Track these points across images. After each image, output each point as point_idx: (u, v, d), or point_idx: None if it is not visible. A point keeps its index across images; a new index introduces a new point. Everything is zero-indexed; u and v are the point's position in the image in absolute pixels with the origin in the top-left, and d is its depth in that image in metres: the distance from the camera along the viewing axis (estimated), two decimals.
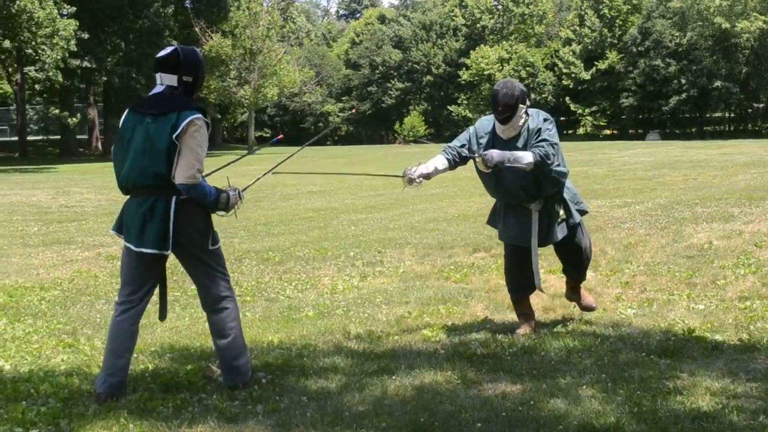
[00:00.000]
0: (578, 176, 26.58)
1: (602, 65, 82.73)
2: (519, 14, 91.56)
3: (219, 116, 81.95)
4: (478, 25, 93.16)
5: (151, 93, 5.70)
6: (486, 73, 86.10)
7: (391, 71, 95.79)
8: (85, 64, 55.03)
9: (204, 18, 67.11)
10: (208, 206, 5.62)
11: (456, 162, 7.01)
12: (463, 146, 7.00)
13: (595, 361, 6.10)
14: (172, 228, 5.45)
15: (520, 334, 7.01)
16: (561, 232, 7.08)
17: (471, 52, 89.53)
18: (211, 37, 66.55)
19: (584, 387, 5.48)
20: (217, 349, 5.82)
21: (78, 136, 65.41)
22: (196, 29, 65.80)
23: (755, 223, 13.52)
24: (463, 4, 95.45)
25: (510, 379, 5.73)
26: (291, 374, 6.02)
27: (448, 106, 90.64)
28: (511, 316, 7.68)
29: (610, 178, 26.18)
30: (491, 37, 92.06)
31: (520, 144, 6.76)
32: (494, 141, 6.88)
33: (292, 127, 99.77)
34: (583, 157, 41.23)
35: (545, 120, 6.85)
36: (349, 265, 10.93)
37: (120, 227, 5.70)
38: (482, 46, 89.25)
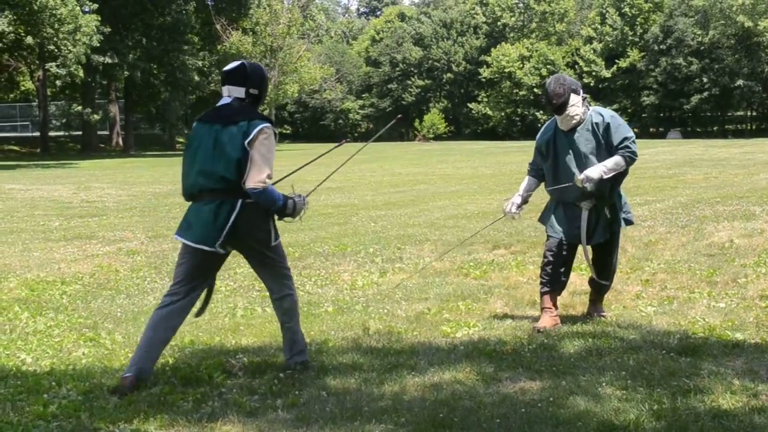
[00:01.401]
0: None
1: (623, 63, 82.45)
2: (540, 12, 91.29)
3: None
4: (498, 23, 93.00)
5: (219, 104, 5.94)
6: (507, 71, 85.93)
7: (412, 69, 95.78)
8: (107, 60, 55.27)
9: (225, 15, 67.27)
10: (276, 212, 5.88)
11: (542, 175, 7.38)
12: (536, 154, 7.35)
13: (615, 359, 6.07)
14: (228, 228, 5.68)
15: (537, 327, 7.04)
16: (604, 234, 7.16)
17: (492, 49, 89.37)
18: (232, 34, 66.74)
19: (604, 385, 5.46)
20: (284, 330, 6.13)
21: (99, 132, 65.74)
22: (217, 26, 66.04)
23: None
24: (484, 2, 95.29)
25: (529, 376, 5.72)
26: (310, 369, 6.02)
27: (468, 104, 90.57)
28: (531, 312, 7.69)
29: (631, 176, 25.90)
30: (512, 35, 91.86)
31: (580, 134, 7.01)
32: (556, 135, 7.16)
33: (312, 123, 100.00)
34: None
35: (612, 116, 7.03)
36: (368, 261, 10.94)
37: (181, 230, 5.95)
38: (503, 43, 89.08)
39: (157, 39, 60.67)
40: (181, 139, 78.73)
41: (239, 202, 5.69)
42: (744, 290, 8.45)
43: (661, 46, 79.36)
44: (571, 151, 7.05)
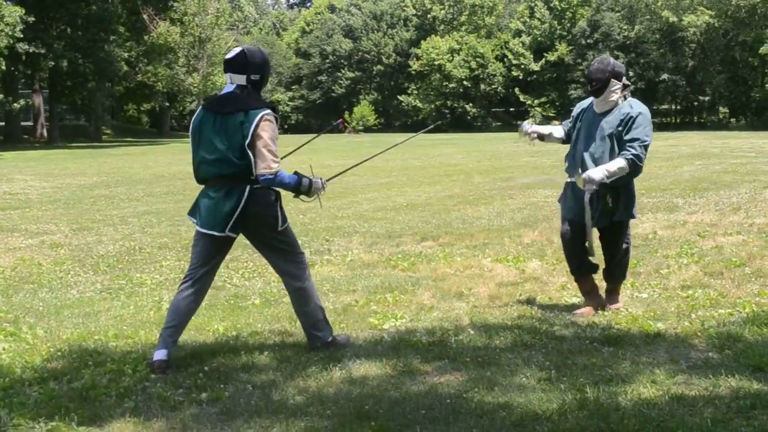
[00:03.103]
0: (526, 167, 26.80)
1: (551, 57, 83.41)
2: (470, 5, 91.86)
3: (167, 104, 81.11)
4: (428, 16, 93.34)
5: (222, 92, 6.10)
6: (436, 63, 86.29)
7: (342, 60, 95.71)
8: (32, 49, 54.13)
9: (151, 5, 66.36)
10: (292, 191, 6.18)
11: (568, 139, 7.51)
12: (571, 120, 7.49)
13: (540, 349, 6.14)
14: (238, 214, 5.87)
15: (577, 315, 7.18)
16: (602, 221, 7.20)
17: (421, 42, 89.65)
18: (159, 25, 65.90)
19: (528, 375, 5.51)
20: (298, 317, 6.37)
21: (23, 123, 64.38)
22: (144, 16, 65.13)
23: (699, 213, 13.73)
24: None
25: (455, 367, 5.75)
26: (236, 362, 5.98)
27: (398, 96, 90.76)
28: (458, 304, 7.73)
29: (558, 168, 26.34)
30: (442, 27, 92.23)
31: (609, 119, 7.04)
32: (586, 112, 7.28)
33: None
34: (531, 147, 41.49)
35: (641, 114, 6.99)
36: None
37: (193, 212, 6.20)
38: (433, 36, 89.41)
39: (82, 29, 59.54)
40: (108, 131, 77.62)
41: (247, 188, 5.87)
42: (666, 281, 8.60)
43: (589, 40, 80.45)
44: (590, 132, 7.14)
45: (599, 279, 7.61)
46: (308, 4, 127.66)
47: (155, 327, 7.10)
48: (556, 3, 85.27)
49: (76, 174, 28.19)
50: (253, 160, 5.80)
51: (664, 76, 76.88)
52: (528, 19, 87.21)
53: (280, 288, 8.76)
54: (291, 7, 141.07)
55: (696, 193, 16.45)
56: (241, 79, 5.96)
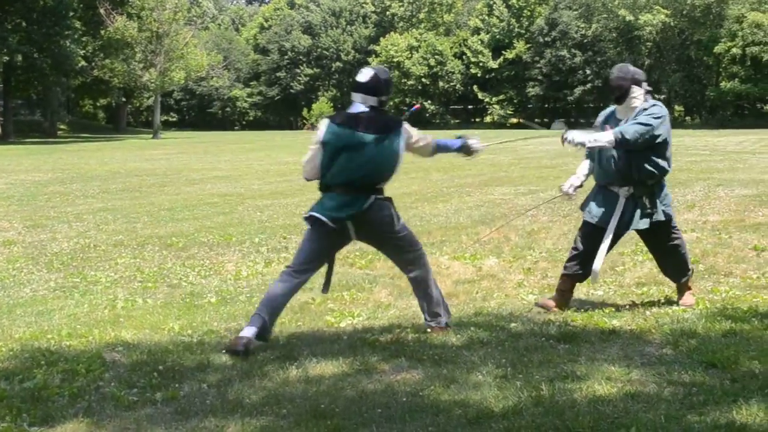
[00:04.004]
0: (484, 164, 26.89)
1: (510, 55, 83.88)
2: (429, 2, 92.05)
3: (124, 100, 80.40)
4: (387, 13, 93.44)
5: (358, 111, 6.34)
6: (395, 60, 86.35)
7: (300, 57, 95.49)
8: None
9: (109, 0, 65.64)
10: (456, 151, 6.93)
11: None
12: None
13: (496, 347, 6.15)
14: (367, 217, 6.30)
15: (540, 303, 7.41)
16: (643, 223, 7.18)
17: (380, 39, 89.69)
18: (117, 19, 65.24)
19: (484, 372, 5.52)
20: (421, 301, 6.74)
21: None
22: (101, 11, 64.41)
23: None
24: None
25: (411, 365, 5.74)
26: (192, 361, 5.92)
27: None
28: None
29: (516, 166, 26.55)
30: (401, 24, 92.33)
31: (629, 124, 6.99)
32: (609, 119, 7.29)
33: (199, 111, 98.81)
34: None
35: (654, 106, 7.02)
36: (253, 251, 10.85)
37: (317, 209, 6.46)
38: (392, 33, 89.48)
39: (37, 22, 58.77)
40: (63, 126, 76.77)
41: (373, 197, 6.27)
42: (621, 278, 8.68)
43: (546, 39, 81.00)
44: None
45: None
46: (267, 0, 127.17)
47: (109, 326, 7.04)
48: (514, 1, 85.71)
49: (31, 170, 27.84)
50: (420, 147, 6.56)
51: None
52: (486, 17, 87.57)
53: (237, 286, 8.74)
54: (250, 2, 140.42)
55: None
56: (374, 101, 6.32)
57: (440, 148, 6.73)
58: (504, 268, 9.36)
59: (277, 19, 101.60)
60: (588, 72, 78.63)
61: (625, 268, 9.18)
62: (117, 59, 67.62)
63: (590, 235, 7.33)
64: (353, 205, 6.25)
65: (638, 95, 7.04)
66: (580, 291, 8.04)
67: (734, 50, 71.69)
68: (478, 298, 7.88)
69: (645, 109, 6.99)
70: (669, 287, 8.05)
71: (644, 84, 7.10)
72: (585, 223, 7.44)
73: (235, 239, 11.82)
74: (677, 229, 7.51)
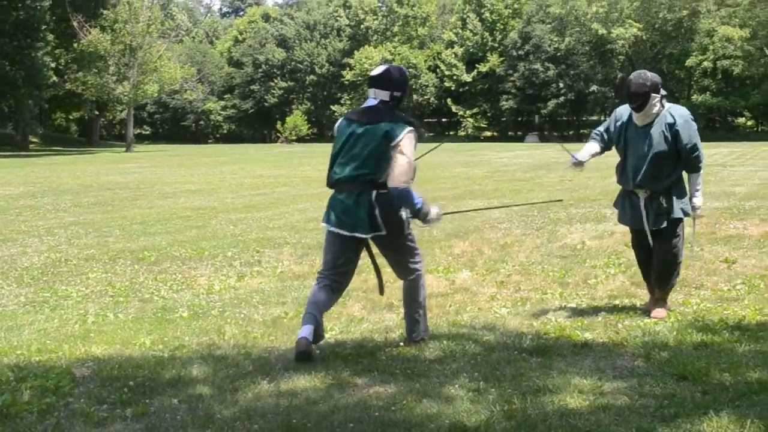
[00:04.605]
0: (458, 177, 26.96)
1: (483, 68, 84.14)
2: (403, 15, 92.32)
3: (97, 113, 79.97)
4: (362, 26, 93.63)
5: (365, 105, 6.48)
6: (370, 73, 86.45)
7: (275, 70, 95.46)
8: None
9: (81, 12, 65.36)
10: (411, 211, 6.34)
11: (603, 147, 7.72)
12: (607, 130, 7.67)
13: (469, 360, 6.15)
14: (378, 214, 6.23)
15: (643, 307, 7.75)
16: (658, 222, 7.42)
17: (355, 52, 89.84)
18: (90, 32, 64.95)
19: (457, 386, 5.52)
20: (407, 310, 6.70)
21: None
22: (74, 23, 64.12)
23: None
24: (347, 4, 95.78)
25: (384, 380, 5.73)
26: (163, 377, 5.88)
27: (331, 106, 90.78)
28: (388, 315, 7.73)
29: (489, 179, 26.61)
30: (375, 37, 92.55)
31: (654, 132, 7.26)
32: (628, 127, 7.44)
33: (173, 124, 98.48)
34: (463, 158, 41.79)
35: (684, 120, 7.27)
36: (226, 265, 10.80)
37: (327, 218, 6.50)
38: (366, 46, 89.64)
39: (9, 35, 58.42)
40: (35, 139, 76.25)
41: (374, 192, 6.20)
42: (594, 291, 8.70)
43: (520, 52, 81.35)
44: (638, 146, 7.34)
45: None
46: (241, 13, 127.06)
47: (80, 341, 6.98)
48: (488, 15, 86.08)
49: (1, 183, 27.62)
50: (390, 169, 6.13)
51: (594, 87, 78.11)
52: (460, 31, 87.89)
53: (209, 300, 8.69)
54: (224, 15, 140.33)
55: None
56: (385, 95, 6.35)
57: (402, 197, 6.16)
58: (477, 281, 9.37)
59: (252, 32, 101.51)
60: (561, 85, 79.03)
61: (598, 281, 9.21)
62: (90, 72, 67.31)
63: (637, 240, 7.76)
64: (359, 213, 6.25)
65: (656, 102, 7.23)
66: (552, 304, 8.07)
67: (705, 64, 72.38)
68: (452, 311, 7.87)
69: (676, 129, 7.21)
70: (641, 300, 8.10)
71: (661, 89, 7.28)
72: (630, 230, 7.88)
73: (208, 253, 11.76)
74: (682, 231, 7.64)
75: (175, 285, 9.57)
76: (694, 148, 7.25)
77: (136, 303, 8.66)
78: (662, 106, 7.29)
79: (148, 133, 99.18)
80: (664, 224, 7.39)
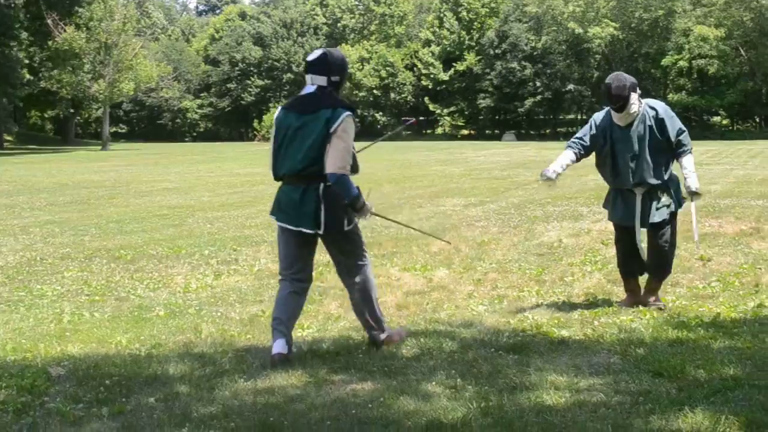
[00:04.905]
0: (435, 175, 27.00)
1: (460, 67, 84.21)
2: (380, 14, 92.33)
3: (72, 111, 79.45)
4: (339, 24, 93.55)
5: (303, 93, 6.28)
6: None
7: (251, 68, 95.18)
8: None
9: (56, 10, 64.89)
10: (348, 198, 6.07)
11: (582, 154, 7.83)
12: (584, 137, 7.80)
13: (446, 358, 6.16)
14: (324, 211, 6.05)
15: (620, 303, 7.85)
16: (659, 216, 7.60)
17: None
18: (65, 30, 64.51)
19: (434, 384, 5.52)
20: (358, 312, 6.52)
21: None
22: (48, 21, 63.66)
23: (602, 221, 13.93)
24: (324, 3, 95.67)
25: (361, 377, 5.73)
26: (139, 375, 5.85)
27: None
28: None
29: (467, 177, 26.66)
30: (352, 36, 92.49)
31: (639, 129, 7.48)
32: (612, 129, 7.60)
33: (149, 122, 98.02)
34: (440, 156, 41.86)
35: (664, 109, 7.57)
36: (203, 264, 10.76)
37: (274, 211, 6.33)
38: (343, 45, 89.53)
39: None
40: (9, 138, 75.71)
41: (321, 186, 6.03)
42: (570, 288, 8.74)
43: (497, 51, 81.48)
44: (627, 146, 7.52)
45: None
46: (218, 11, 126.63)
47: (55, 340, 6.94)
48: (465, 14, 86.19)
49: None
50: (327, 155, 5.95)
51: (570, 86, 78.37)
52: (437, 29, 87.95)
53: (186, 298, 8.66)
54: (200, 14, 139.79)
55: (600, 201, 16.64)
56: (323, 80, 6.15)
57: (339, 184, 5.98)
58: (454, 279, 9.38)
59: (228, 30, 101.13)
60: (538, 84, 79.23)
61: (574, 278, 9.25)
62: (65, 70, 66.86)
63: (622, 237, 7.88)
64: (304, 208, 6.06)
65: (635, 101, 7.41)
66: (529, 302, 8.10)
67: (681, 63, 72.79)
68: (429, 309, 7.88)
69: (660, 119, 7.46)
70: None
71: (638, 89, 7.49)
72: (615, 226, 8.01)
73: (185, 251, 11.72)
74: (675, 224, 7.85)
75: (152, 283, 9.53)
76: (681, 130, 7.51)
77: (113, 302, 8.61)
78: (640, 103, 7.49)
79: (124, 131, 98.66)
80: (666, 217, 7.60)
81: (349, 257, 6.37)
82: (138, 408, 5.19)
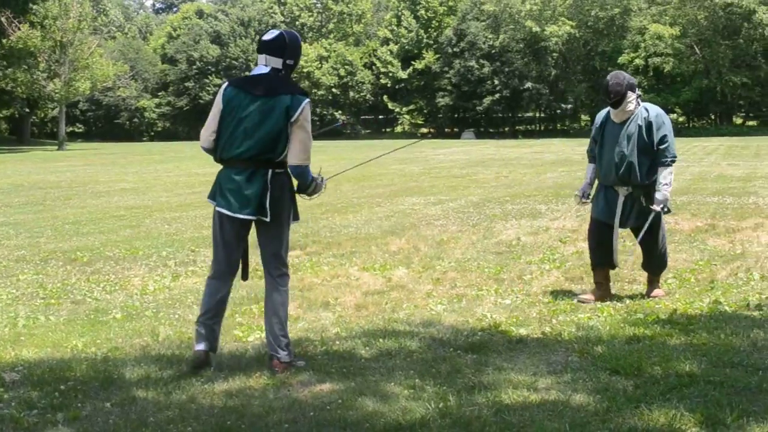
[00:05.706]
0: (395, 174, 27.01)
1: (419, 65, 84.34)
2: (338, 12, 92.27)
3: (27, 111, 78.47)
4: (297, 23, 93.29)
5: (255, 73, 6.02)
6: (305, 70, 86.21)
7: (209, 67, 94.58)
8: None
9: (9, 8, 63.98)
10: (302, 186, 6.04)
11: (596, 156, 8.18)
12: (592, 138, 8.22)
13: (405, 359, 6.16)
14: (269, 197, 5.84)
15: (582, 298, 7.99)
16: (637, 220, 7.87)
17: None
18: (19, 28, 63.66)
19: (393, 384, 5.52)
20: (272, 318, 6.05)
21: None
22: (2, 19, 62.79)
23: (561, 219, 14.07)
24: (282, 1, 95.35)
25: (320, 379, 5.71)
26: (95, 380, 5.78)
27: None
28: (324, 314, 7.70)
29: (426, 175, 26.71)
30: (310, 34, 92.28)
31: (631, 127, 7.77)
32: (606, 124, 7.99)
33: (106, 122, 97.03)
34: (399, 154, 41.79)
35: (657, 115, 7.79)
36: (161, 265, 10.67)
37: (214, 195, 6.08)
38: (301, 43, 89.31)
39: None
40: None
41: (269, 171, 5.84)
42: (529, 287, 8.78)
43: (455, 49, 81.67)
44: (616, 141, 7.78)
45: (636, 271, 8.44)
46: (175, 9, 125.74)
47: (9, 345, 6.84)
48: (423, 12, 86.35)
49: None
50: (290, 145, 5.82)
51: (528, 84, 78.74)
52: (395, 28, 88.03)
53: (143, 301, 8.58)
54: (157, 12, 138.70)
55: (558, 199, 16.88)
56: (278, 63, 5.94)
57: (302, 175, 5.97)
58: (413, 278, 9.39)
59: (186, 28, 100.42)
60: (496, 82, 79.52)
61: (533, 276, 9.30)
62: (19, 69, 66.01)
63: (597, 229, 8.08)
64: (252, 194, 5.84)
65: (632, 100, 7.70)
66: (488, 300, 8.13)
67: (637, 61, 73.34)
68: (388, 309, 7.87)
69: (650, 122, 7.70)
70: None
71: (637, 89, 7.78)
72: (591, 219, 8.19)
73: (142, 253, 11.62)
74: (664, 227, 8.21)
75: (109, 286, 9.43)
76: (664, 139, 7.69)
77: (68, 305, 8.51)
78: (638, 104, 7.77)
79: (81, 131, 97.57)
80: (646, 222, 7.79)
81: (280, 252, 6.15)
82: (94, 413, 5.13)
